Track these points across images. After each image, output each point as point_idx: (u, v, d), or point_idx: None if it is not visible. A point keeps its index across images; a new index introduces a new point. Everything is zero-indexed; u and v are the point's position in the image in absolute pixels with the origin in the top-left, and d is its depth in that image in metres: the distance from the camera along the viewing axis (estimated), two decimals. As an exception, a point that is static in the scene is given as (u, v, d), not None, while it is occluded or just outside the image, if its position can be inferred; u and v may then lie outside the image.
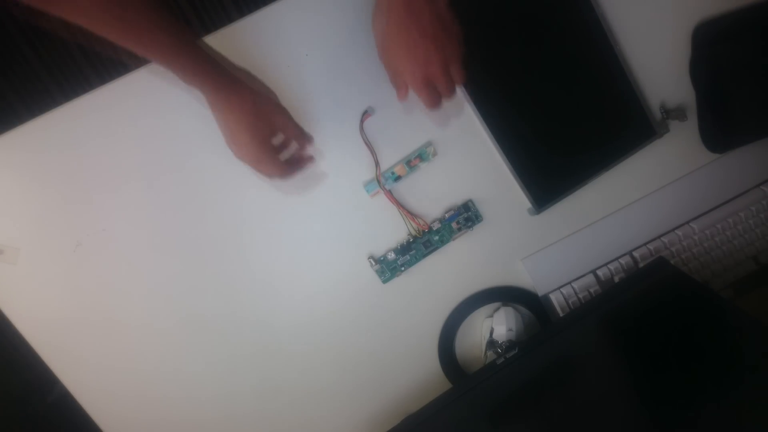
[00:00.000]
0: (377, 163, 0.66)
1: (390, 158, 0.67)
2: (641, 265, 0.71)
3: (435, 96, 0.54)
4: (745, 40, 0.68)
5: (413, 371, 0.72)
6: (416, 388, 0.72)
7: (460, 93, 0.65)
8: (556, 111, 0.67)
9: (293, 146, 0.62)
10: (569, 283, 0.72)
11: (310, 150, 0.63)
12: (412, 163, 0.67)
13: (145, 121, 0.62)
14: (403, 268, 0.69)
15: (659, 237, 0.73)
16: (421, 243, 0.68)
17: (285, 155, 0.61)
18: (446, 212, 0.69)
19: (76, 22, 0.43)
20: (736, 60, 0.68)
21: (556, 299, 0.71)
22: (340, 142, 0.65)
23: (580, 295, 0.71)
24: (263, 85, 0.55)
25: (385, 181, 0.66)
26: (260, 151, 0.55)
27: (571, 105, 0.68)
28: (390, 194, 0.67)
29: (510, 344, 0.67)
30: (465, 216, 0.69)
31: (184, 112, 0.62)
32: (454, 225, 0.69)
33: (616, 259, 0.72)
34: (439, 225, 0.68)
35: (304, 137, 0.61)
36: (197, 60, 0.49)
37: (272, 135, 0.56)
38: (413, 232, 0.68)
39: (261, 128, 0.54)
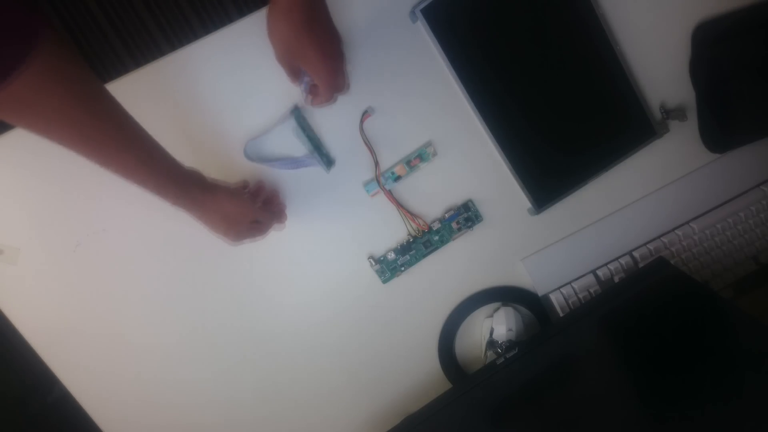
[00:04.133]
0: (377, 163, 0.66)
1: (390, 158, 0.67)
2: (641, 265, 0.71)
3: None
4: (745, 40, 0.68)
5: (413, 371, 0.72)
6: (416, 388, 0.72)
7: (461, 93, 0.65)
8: (556, 111, 0.67)
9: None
10: (569, 283, 0.72)
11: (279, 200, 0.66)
12: (412, 163, 0.67)
13: (144, 120, 0.62)
14: (403, 268, 0.69)
15: (659, 237, 0.73)
16: (421, 243, 0.68)
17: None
18: (446, 212, 0.69)
19: (39, 134, 0.41)
20: (736, 60, 0.68)
21: (556, 299, 0.71)
22: (340, 142, 0.65)
23: (580, 295, 0.71)
24: (227, 183, 0.60)
25: (385, 181, 0.66)
26: (251, 229, 0.61)
27: (570, 105, 0.68)
28: (390, 194, 0.67)
29: (510, 344, 0.67)
30: (465, 216, 0.69)
31: (184, 112, 0.62)
32: (454, 225, 0.69)
33: (616, 259, 0.72)
34: (439, 225, 0.68)
35: (276, 202, 0.65)
36: (167, 179, 0.51)
37: (254, 217, 0.60)
38: (413, 232, 0.68)
39: (246, 214, 0.59)
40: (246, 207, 0.59)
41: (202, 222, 0.58)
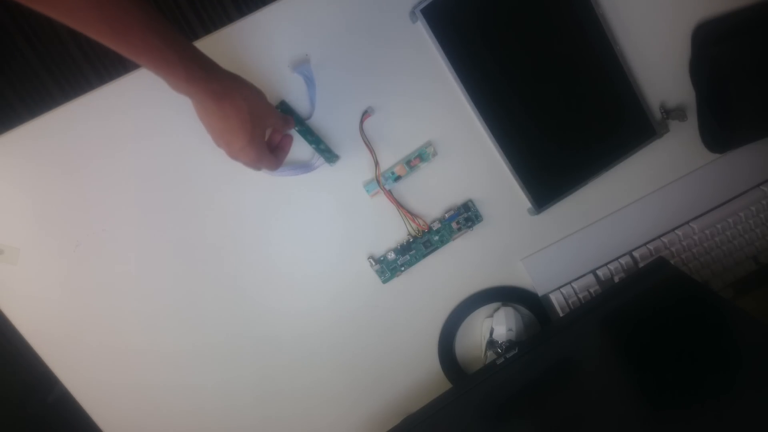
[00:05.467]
0: (377, 163, 0.66)
1: (390, 158, 0.67)
2: (641, 265, 0.71)
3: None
4: (745, 40, 0.68)
5: (413, 371, 0.72)
6: (416, 388, 0.72)
7: (461, 93, 0.65)
8: (556, 111, 0.67)
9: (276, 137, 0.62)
10: (569, 283, 0.72)
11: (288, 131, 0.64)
12: (412, 163, 0.67)
13: (145, 121, 0.62)
14: (403, 268, 0.69)
15: (659, 237, 0.73)
16: (421, 243, 0.68)
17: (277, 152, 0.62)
18: (446, 212, 0.69)
19: (62, 21, 0.42)
20: (736, 60, 0.68)
21: (556, 299, 0.71)
22: (340, 142, 0.65)
23: (580, 295, 0.71)
24: (253, 87, 0.55)
25: (385, 181, 0.66)
26: (258, 153, 0.56)
27: (571, 105, 0.68)
28: (390, 194, 0.67)
29: (510, 344, 0.67)
30: (465, 216, 0.69)
31: (185, 111, 0.62)
32: (454, 225, 0.69)
33: (616, 259, 0.72)
34: (439, 225, 0.68)
35: (288, 125, 0.62)
36: (190, 66, 0.49)
37: (265, 135, 0.57)
38: (413, 232, 0.68)
39: (257, 133, 0.55)
40: (270, 107, 0.56)
41: (218, 115, 0.53)
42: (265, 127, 0.56)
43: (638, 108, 0.68)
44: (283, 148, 0.62)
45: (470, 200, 0.69)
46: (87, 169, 0.62)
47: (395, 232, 0.69)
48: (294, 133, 0.64)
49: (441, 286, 0.71)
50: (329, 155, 0.65)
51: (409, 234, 0.68)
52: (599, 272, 0.72)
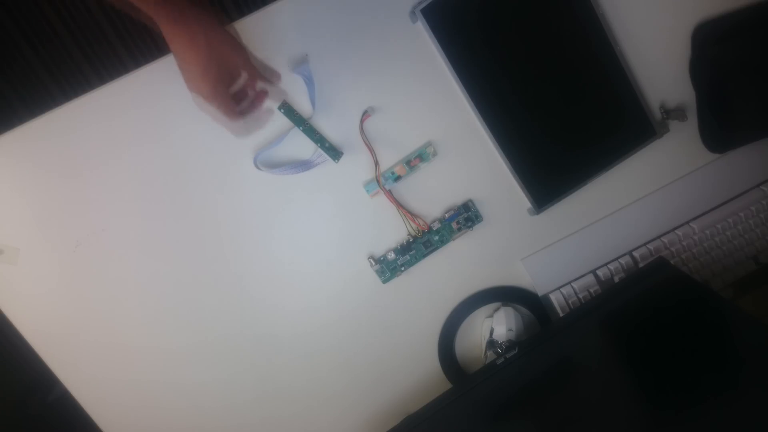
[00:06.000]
0: (377, 163, 0.66)
1: (390, 158, 0.67)
2: (641, 265, 0.71)
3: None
4: (745, 40, 0.68)
5: (413, 371, 0.72)
6: (416, 388, 0.72)
7: (461, 93, 0.65)
8: (556, 111, 0.67)
9: (250, 92, 0.59)
10: (569, 283, 0.72)
11: (274, 87, 0.61)
12: (412, 163, 0.67)
13: (145, 120, 0.62)
14: (403, 268, 0.69)
15: (659, 237, 0.73)
16: (421, 243, 0.68)
17: (243, 104, 0.59)
18: (446, 212, 0.69)
19: None
20: (736, 60, 0.68)
21: (556, 299, 0.71)
22: (340, 142, 0.65)
23: (580, 295, 0.71)
24: (217, 18, 0.52)
25: (385, 181, 0.66)
26: (213, 91, 0.53)
27: (571, 105, 0.68)
28: (390, 194, 0.67)
29: (510, 344, 0.67)
30: (465, 216, 0.69)
31: (185, 112, 0.62)
32: (454, 225, 0.69)
33: (616, 259, 0.72)
34: (439, 225, 0.68)
35: (270, 77, 0.59)
36: None
37: (227, 75, 0.55)
38: (413, 232, 0.68)
39: (213, 68, 0.52)
40: (237, 47, 0.53)
41: (175, 41, 0.50)
42: (228, 65, 0.54)
43: (638, 108, 0.68)
44: (254, 104, 0.58)
45: (470, 200, 0.69)
46: (87, 169, 0.62)
47: (395, 232, 0.69)
48: (297, 132, 0.64)
49: (441, 286, 0.71)
50: (334, 153, 0.65)
51: (409, 234, 0.68)
52: (599, 272, 0.72)
